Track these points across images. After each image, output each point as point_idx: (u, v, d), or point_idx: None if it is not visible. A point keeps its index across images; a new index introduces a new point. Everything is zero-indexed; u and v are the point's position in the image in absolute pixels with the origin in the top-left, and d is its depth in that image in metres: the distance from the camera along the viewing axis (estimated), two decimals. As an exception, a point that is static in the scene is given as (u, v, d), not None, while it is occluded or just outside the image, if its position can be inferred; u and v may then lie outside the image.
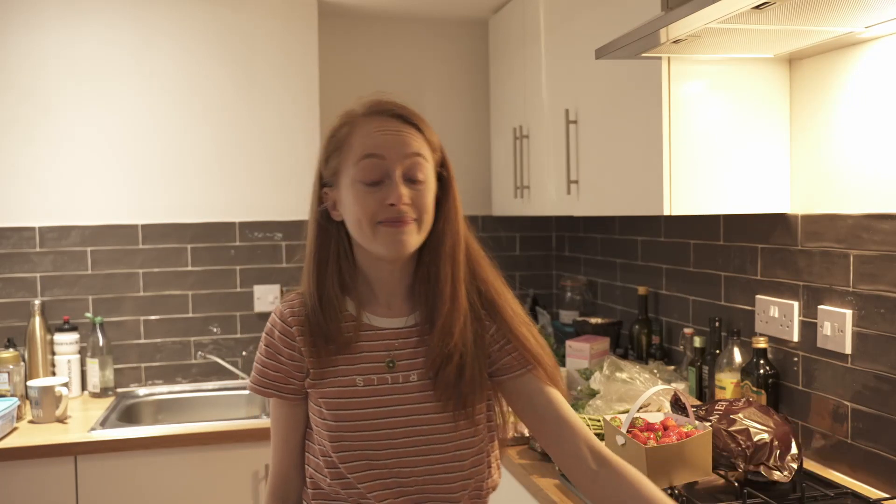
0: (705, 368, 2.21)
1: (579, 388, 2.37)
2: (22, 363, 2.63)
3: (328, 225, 1.24)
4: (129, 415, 2.68)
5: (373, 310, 1.25)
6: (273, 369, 1.25)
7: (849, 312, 1.78)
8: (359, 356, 1.22)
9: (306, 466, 1.29)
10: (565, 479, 1.81)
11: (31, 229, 2.79)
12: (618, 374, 2.22)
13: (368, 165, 1.16)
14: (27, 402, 2.58)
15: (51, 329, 2.78)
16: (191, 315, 2.95)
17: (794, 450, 1.67)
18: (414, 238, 1.18)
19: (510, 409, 1.31)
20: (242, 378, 2.93)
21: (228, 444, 2.41)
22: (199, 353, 2.93)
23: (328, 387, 1.21)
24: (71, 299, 2.83)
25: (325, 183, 1.24)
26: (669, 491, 1.67)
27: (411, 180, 1.17)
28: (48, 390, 2.45)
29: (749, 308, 2.12)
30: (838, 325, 1.80)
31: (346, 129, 1.20)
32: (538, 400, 1.25)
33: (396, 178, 1.16)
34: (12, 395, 2.54)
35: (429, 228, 1.21)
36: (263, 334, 1.27)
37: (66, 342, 2.76)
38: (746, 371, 2.03)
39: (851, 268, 1.78)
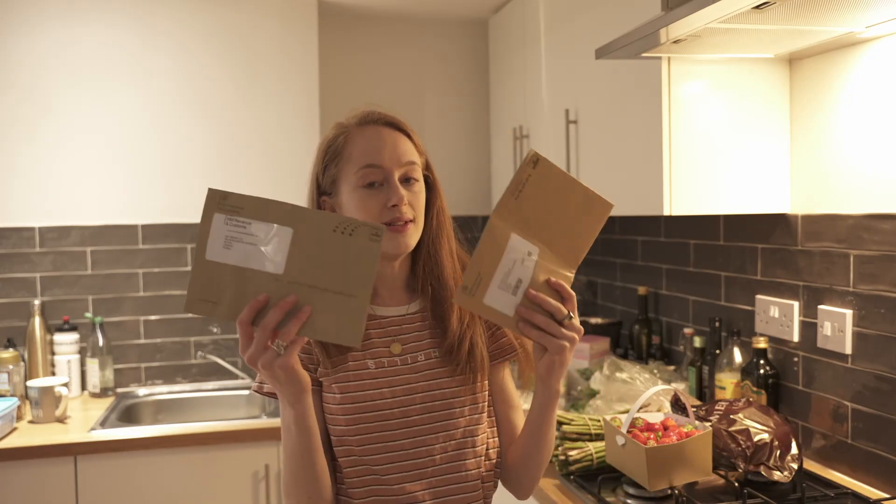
0: (705, 368, 2.21)
1: (579, 388, 2.37)
2: (22, 363, 2.63)
3: None
4: (128, 415, 2.68)
5: (375, 301, 1.31)
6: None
7: (849, 312, 1.78)
8: (367, 342, 1.27)
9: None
10: (566, 479, 1.82)
11: (31, 229, 2.79)
12: (618, 375, 2.22)
13: (369, 173, 1.24)
14: (27, 402, 2.58)
15: (51, 329, 2.78)
16: (190, 315, 2.95)
17: (794, 450, 1.67)
18: (413, 237, 1.27)
19: None
20: (242, 378, 2.93)
21: (228, 444, 2.41)
22: (199, 353, 2.93)
23: (341, 372, 1.25)
24: (71, 299, 2.83)
25: (323, 191, 1.30)
26: (670, 491, 1.67)
27: (407, 181, 1.27)
28: (48, 390, 2.45)
29: (749, 308, 2.12)
30: (838, 325, 1.80)
31: (341, 139, 1.28)
32: (498, 397, 1.36)
33: (395, 181, 1.24)
34: (12, 395, 2.54)
35: (422, 226, 1.29)
36: None
37: (66, 342, 2.76)
38: (746, 371, 2.03)
39: (851, 268, 1.77)
